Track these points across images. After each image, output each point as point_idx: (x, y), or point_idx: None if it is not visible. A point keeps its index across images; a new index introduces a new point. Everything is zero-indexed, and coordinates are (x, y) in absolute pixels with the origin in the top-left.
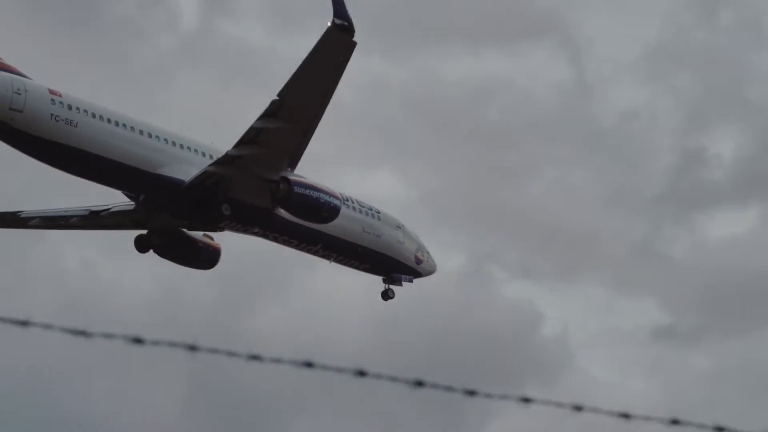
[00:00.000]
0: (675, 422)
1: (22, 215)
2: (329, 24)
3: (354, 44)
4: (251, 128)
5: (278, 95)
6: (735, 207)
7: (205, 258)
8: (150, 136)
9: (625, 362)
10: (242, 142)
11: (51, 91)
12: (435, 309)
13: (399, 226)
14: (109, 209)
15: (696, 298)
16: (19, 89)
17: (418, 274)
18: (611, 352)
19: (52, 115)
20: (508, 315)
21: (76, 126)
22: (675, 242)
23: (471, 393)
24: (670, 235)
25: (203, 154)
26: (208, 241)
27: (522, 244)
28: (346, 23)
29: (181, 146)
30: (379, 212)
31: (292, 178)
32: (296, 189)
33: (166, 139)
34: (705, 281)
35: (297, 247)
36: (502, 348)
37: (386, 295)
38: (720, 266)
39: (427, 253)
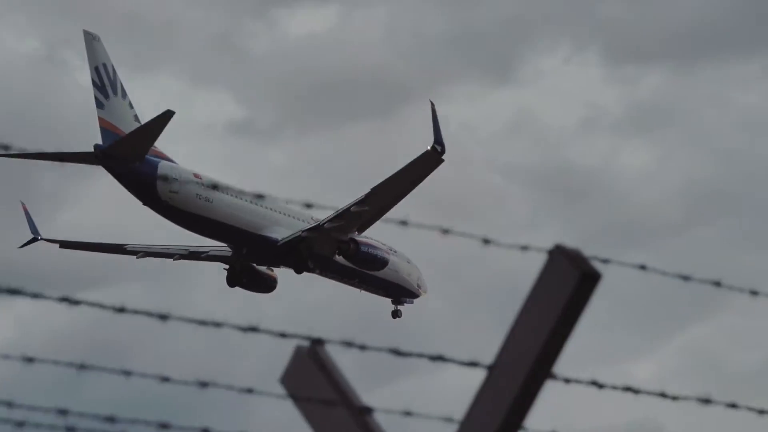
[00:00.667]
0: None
1: (127, 248)
2: (429, 147)
3: (442, 161)
4: (346, 210)
5: (372, 189)
6: (315, 4)
7: (269, 285)
8: (257, 205)
9: (203, 155)
10: (335, 218)
11: (195, 175)
12: None
13: (408, 261)
14: (207, 252)
15: (274, 95)
16: (176, 176)
17: (417, 296)
18: (188, 144)
19: (197, 194)
20: None
21: (211, 202)
22: (254, 37)
23: None
24: (250, 29)
25: (293, 217)
26: (269, 272)
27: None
28: (440, 148)
29: (279, 212)
30: (395, 251)
31: (359, 239)
32: (362, 248)
33: (269, 207)
34: (283, 78)
35: (340, 280)
36: None
37: (396, 314)
38: (299, 64)
39: (422, 277)
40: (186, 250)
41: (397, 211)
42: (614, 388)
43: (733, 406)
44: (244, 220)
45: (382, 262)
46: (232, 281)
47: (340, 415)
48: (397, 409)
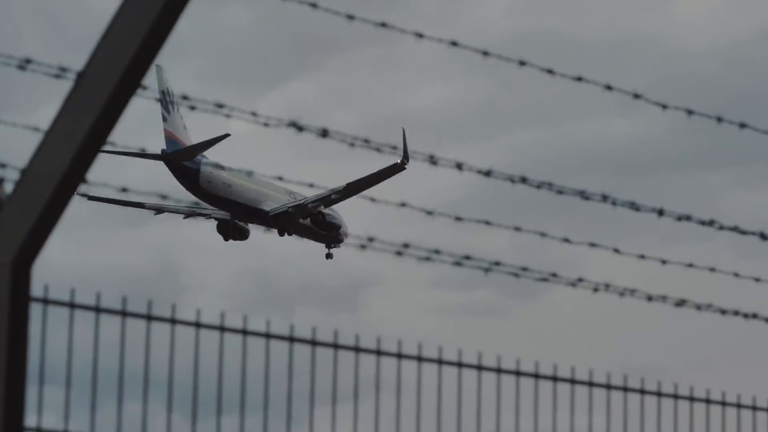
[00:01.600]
0: None
1: (146, 205)
2: (399, 162)
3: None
4: (327, 196)
5: (348, 184)
6: None
7: (245, 235)
8: (258, 184)
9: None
10: (317, 201)
11: (221, 166)
12: None
13: (342, 218)
14: (210, 213)
15: None
16: (211, 172)
17: (342, 242)
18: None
19: (222, 182)
20: None
21: (231, 187)
22: None
23: None
24: None
25: (280, 194)
26: (246, 226)
27: None
28: (407, 163)
29: (271, 191)
30: (335, 211)
31: (324, 212)
32: (328, 219)
33: (264, 186)
34: None
35: (304, 236)
36: None
37: (329, 256)
38: None
39: (346, 228)
40: (193, 210)
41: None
42: None
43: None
44: (249, 197)
45: (337, 227)
46: (225, 233)
47: None
48: None
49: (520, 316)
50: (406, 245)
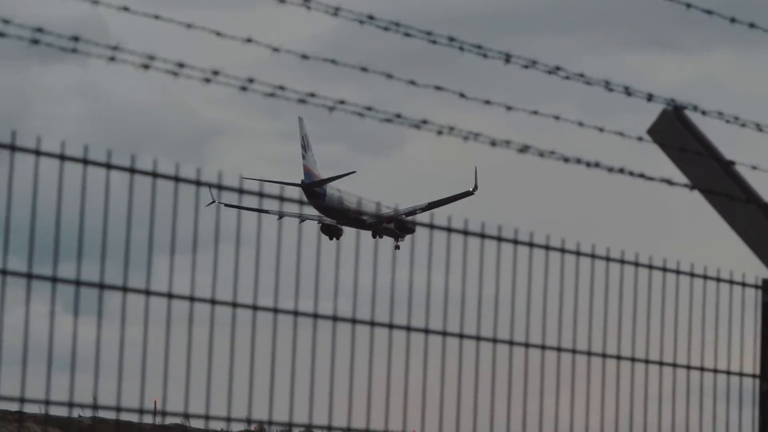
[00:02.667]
0: None
1: (270, 211)
2: (471, 189)
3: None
4: (413, 211)
5: (429, 203)
6: None
7: (340, 235)
8: (359, 203)
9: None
10: (405, 214)
11: (339, 190)
12: None
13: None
14: (321, 218)
15: None
16: (333, 198)
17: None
18: None
19: (339, 199)
20: None
21: (342, 204)
22: None
23: None
24: None
25: (373, 208)
26: (341, 227)
27: None
28: (476, 191)
29: (368, 205)
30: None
31: (405, 219)
32: (408, 224)
33: (363, 201)
34: None
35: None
36: None
37: (397, 248)
38: None
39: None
40: (307, 217)
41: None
42: None
43: None
44: (353, 210)
45: (413, 231)
46: (329, 233)
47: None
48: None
49: (370, 171)
50: (250, 80)
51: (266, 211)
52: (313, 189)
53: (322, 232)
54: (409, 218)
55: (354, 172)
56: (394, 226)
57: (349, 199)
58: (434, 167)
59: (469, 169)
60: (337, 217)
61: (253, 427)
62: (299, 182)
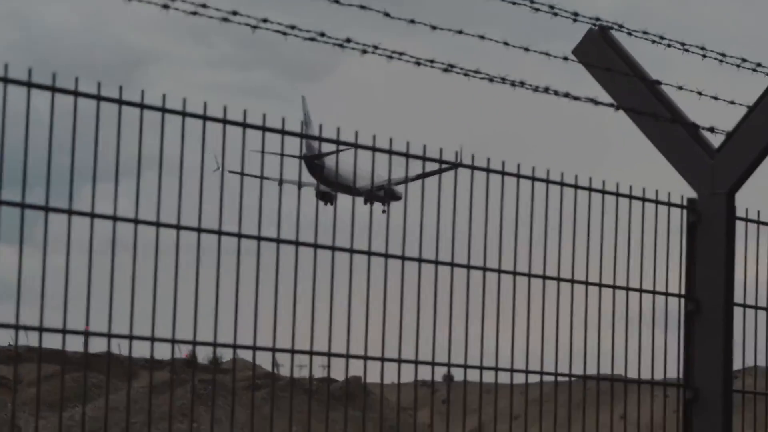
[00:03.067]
0: None
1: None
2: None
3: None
4: (401, 181)
5: (416, 176)
6: None
7: (333, 202)
8: (352, 173)
9: None
10: (395, 184)
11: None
12: None
13: None
14: (316, 186)
15: None
16: (330, 170)
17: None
18: None
19: (334, 173)
20: None
21: (339, 175)
22: None
23: None
24: None
25: (368, 177)
26: (334, 194)
27: None
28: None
29: (363, 175)
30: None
31: (394, 188)
32: (397, 193)
33: (355, 173)
34: None
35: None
36: None
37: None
38: None
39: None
40: (304, 184)
41: None
42: None
43: None
44: (348, 180)
45: (400, 198)
46: (324, 199)
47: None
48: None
49: (302, 96)
50: None
51: (267, 178)
52: (314, 162)
53: (318, 198)
54: (397, 187)
55: (350, 147)
56: (384, 194)
57: (346, 170)
58: (367, 90)
59: (399, 89)
60: (332, 187)
61: (184, 354)
62: (300, 155)
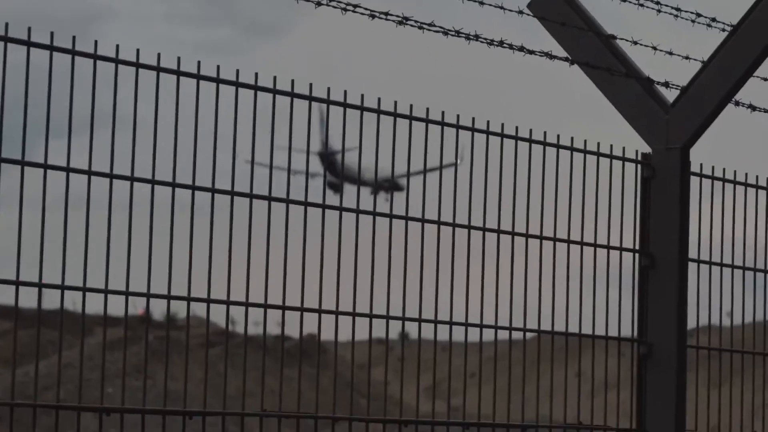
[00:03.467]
0: None
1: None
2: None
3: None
4: None
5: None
6: None
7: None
8: (361, 170)
9: None
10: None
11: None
12: None
13: None
14: (330, 179)
15: None
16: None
17: None
18: None
19: (346, 168)
20: None
21: (348, 169)
22: None
23: None
24: None
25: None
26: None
27: None
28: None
29: (368, 171)
30: None
31: (398, 182)
32: (398, 185)
33: (364, 169)
34: None
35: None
36: None
37: None
38: None
39: None
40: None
41: None
42: None
43: None
44: (356, 175)
45: (403, 189)
46: (332, 188)
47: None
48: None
49: (261, 54)
50: None
51: (277, 167)
52: (329, 159)
53: (328, 187)
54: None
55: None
56: (388, 186)
57: (354, 166)
58: (326, 47)
59: (355, 44)
60: (342, 179)
61: (139, 311)
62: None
